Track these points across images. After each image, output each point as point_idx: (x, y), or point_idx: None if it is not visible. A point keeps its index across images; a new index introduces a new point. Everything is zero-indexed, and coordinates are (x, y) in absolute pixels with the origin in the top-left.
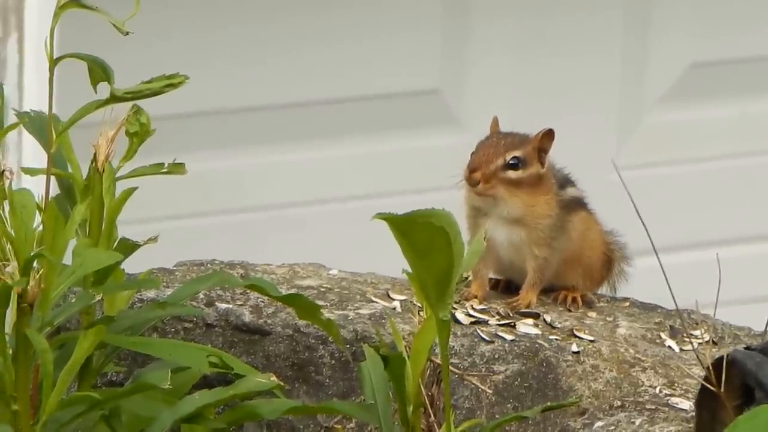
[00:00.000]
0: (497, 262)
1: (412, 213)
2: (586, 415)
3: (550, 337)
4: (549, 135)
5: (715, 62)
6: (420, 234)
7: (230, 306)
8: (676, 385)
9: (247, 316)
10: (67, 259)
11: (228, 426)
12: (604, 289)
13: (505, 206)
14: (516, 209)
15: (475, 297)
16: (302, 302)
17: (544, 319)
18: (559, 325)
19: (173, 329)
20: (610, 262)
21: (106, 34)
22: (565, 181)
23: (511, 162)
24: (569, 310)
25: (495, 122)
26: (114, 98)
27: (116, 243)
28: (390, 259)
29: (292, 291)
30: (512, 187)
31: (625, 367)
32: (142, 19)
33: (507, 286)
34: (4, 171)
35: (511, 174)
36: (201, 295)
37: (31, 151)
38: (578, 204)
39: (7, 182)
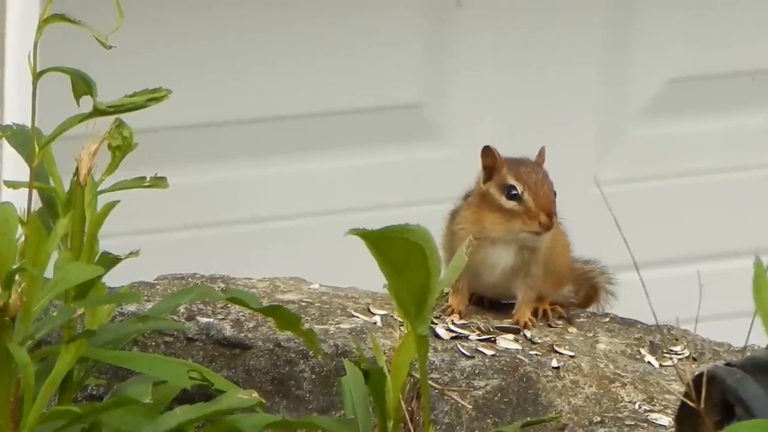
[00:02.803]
0: (477, 281)
1: (387, 229)
2: (565, 431)
3: (531, 352)
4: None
5: (694, 77)
6: (396, 250)
7: (211, 320)
8: (655, 401)
9: (228, 330)
10: (49, 272)
11: None
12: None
13: (546, 237)
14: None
15: (456, 312)
16: (283, 313)
17: (525, 335)
18: (539, 341)
19: (154, 343)
20: (586, 276)
21: (90, 48)
22: None
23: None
24: (549, 325)
25: (542, 153)
26: (97, 112)
27: (98, 257)
28: (371, 274)
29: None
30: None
31: (605, 382)
32: (127, 32)
33: (480, 301)
34: None
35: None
36: (182, 309)
37: (12, 165)
38: None
39: None
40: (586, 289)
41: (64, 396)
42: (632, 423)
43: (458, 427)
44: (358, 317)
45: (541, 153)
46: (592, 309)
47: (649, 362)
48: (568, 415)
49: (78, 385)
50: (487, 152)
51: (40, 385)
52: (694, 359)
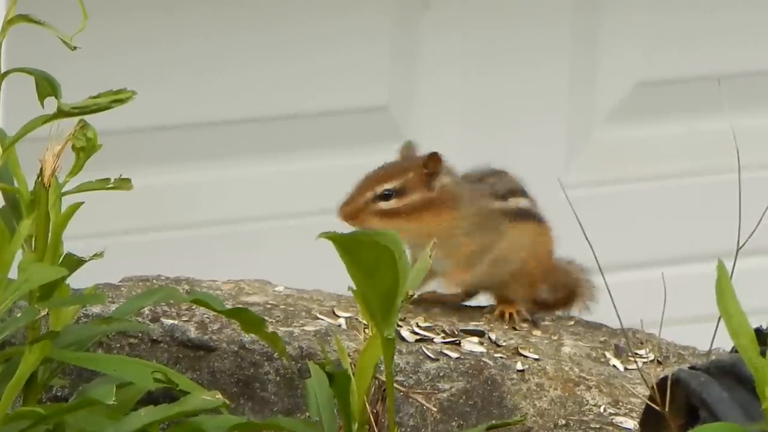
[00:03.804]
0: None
1: (358, 232)
2: None
3: (495, 355)
4: (433, 159)
5: (661, 81)
6: (366, 253)
7: (176, 322)
8: (620, 404)
9: (193, 332)
10: (13, 273)
11: None
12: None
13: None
14: (407, 239)
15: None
16: (247, 316)
17: (489, 337)
18: (504, 344)
19: (118, 345)
20: (567, 278)
21: (55, 49)
22: (508, 192)
23: (385, 193)
24: (514, 328)
25: (405, 147)
26: (61, 113)
27: (62, 258)
28: (336, 276)
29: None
30: (387, 218)
31: (570, 385)
32: (93, 33)
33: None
34: None
35: (383, 205)
36: (146, 311)
37: None
38: (526, 215)
39: None
40: (565, 292)
41: (28, 397)
42: (597, 426)
43: (423, 430)
44: (322, 320)
45: (408, 146)
46: (560, 312)
47: (614, 365)
48: (533, 418)
49: (42, 386)
50: (402, 148)
51: (4, 386)
52: (659, 363)
